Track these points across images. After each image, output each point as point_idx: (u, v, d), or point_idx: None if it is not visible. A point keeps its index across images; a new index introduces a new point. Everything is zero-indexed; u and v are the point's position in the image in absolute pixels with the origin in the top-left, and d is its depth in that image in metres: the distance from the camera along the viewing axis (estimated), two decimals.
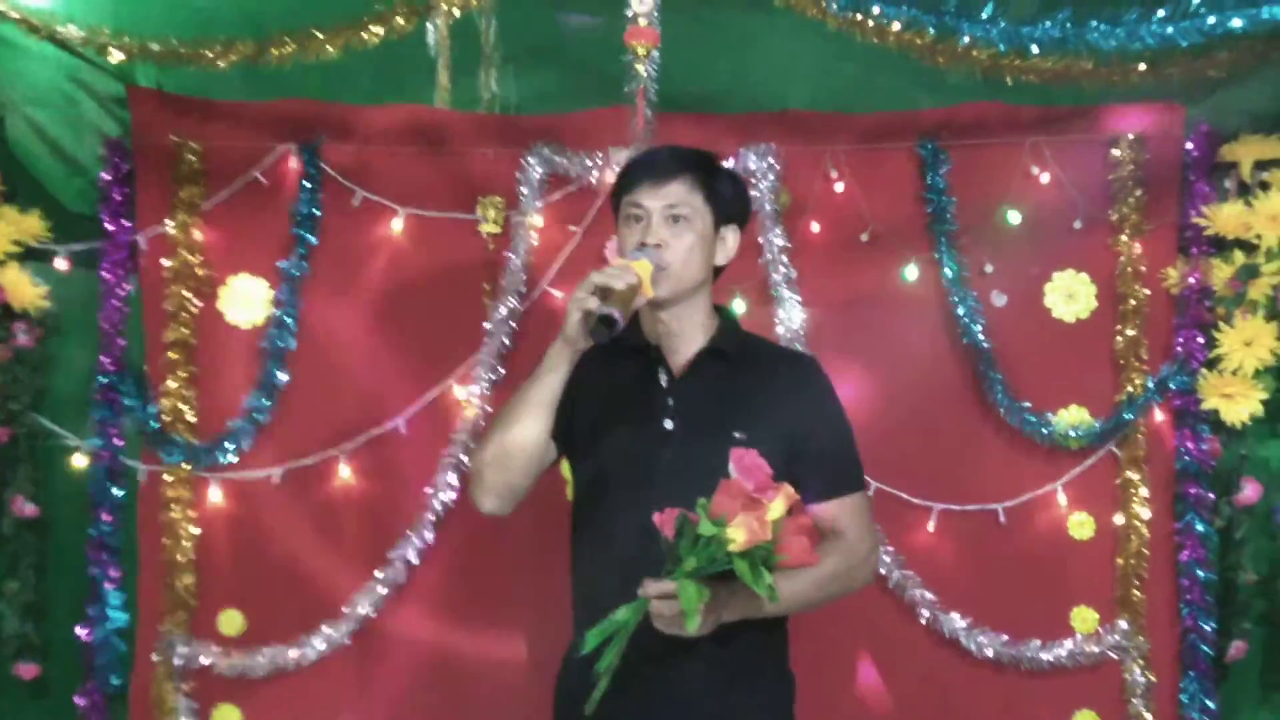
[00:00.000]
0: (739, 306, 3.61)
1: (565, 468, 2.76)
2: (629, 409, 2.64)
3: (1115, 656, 3.67)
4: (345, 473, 3.68)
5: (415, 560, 3.65)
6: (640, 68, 3.15)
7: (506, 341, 3.67)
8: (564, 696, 2.67)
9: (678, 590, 2.24)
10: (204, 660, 3.63)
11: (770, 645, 2.66)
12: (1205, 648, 3.65)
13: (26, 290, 3.58)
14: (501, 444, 2.57)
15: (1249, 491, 3.66)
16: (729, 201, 2.67)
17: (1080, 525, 3.70)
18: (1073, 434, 3.66)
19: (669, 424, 2.59)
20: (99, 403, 3.62)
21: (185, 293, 3.66)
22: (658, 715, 2.54)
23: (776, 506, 2.24)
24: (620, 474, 2.60)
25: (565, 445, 2.68)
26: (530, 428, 2.55)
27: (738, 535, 2.21)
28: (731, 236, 2.70)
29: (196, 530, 3.67)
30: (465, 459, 3.62)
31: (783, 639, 2.69)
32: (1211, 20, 3.03)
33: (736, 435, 2.45)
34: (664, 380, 2.64)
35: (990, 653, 3.66)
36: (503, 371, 3.66)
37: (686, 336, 2.65)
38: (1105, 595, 3.70)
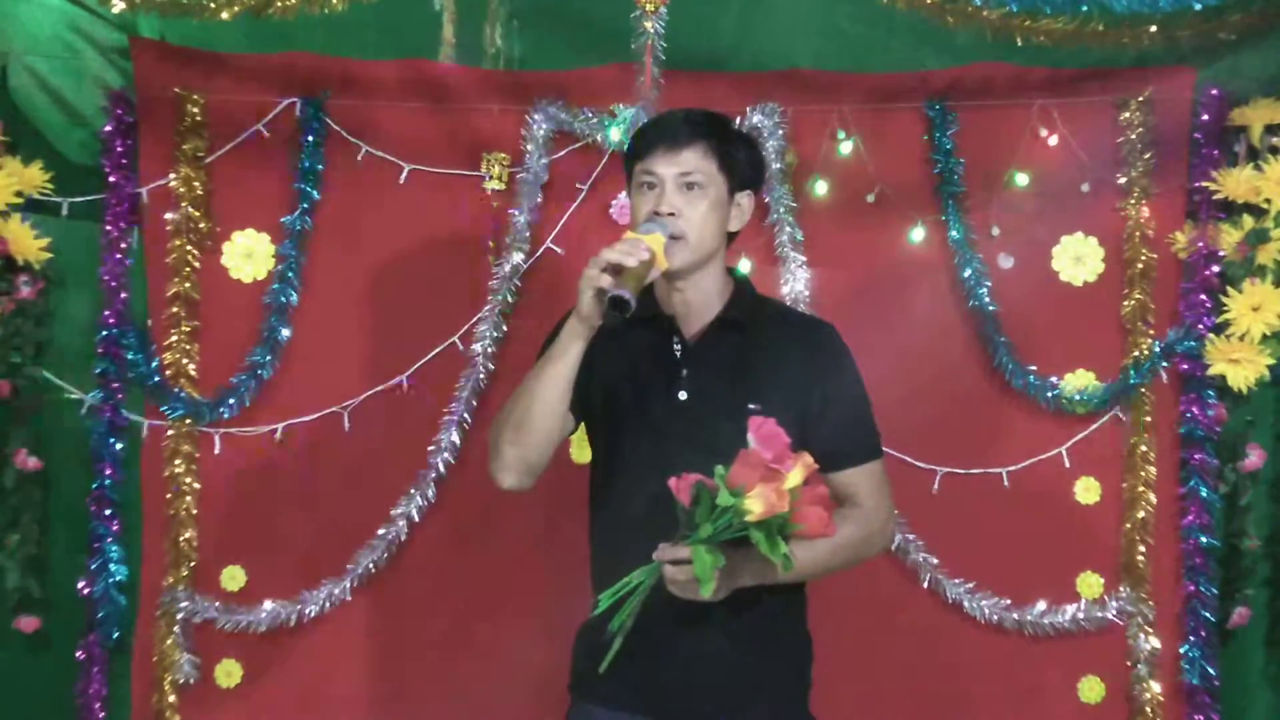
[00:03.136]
0: (744, 266, 3.59)
1: None
2: (644, 379, 2.63)
3: (1120, 622, 3.67)
4: (347, 429, 3.67)
5: (417, 518, 3.64)
6: (648, 24, 3.13)
7: (510, 299, 3.65)
8: (581, 660, 2.67)
9: (691, 556, 2.24)
10: (206, 615, 3.63)
11: (788, 609, 2.65)
12: (1208, 613, 3.65)
13: (29, 242, 3.55)
14: (519, 420, 2.55)
15: (1254, 457, 3.66)
16: (744, 167, 2.64)
17: (1086, 490, 3.69)
18: (1078, 398, 3.65)
19: (683, 394, 2.58)
20: (101, 356, 3.60)
21: (188, 246, 3.64)
22: (672, 677, 2.55)
23: (794, 476, 2.23)
24: (636, 444, 2.60)
25: (583, 415, 2.68)
26: (547, 405, 2.53)
27: (755, 506, 2.20)
28: (746, 202, 2.67)
29: (198, 485, 3.67)
30: (468, 417, 3.62)
31: (801, 603, 2.69)
32: None
33: (751, 407, 2.42)
34: (678, 350, 2.63)
35: (993, 617, 3.66)
36: (506, 329, 3.65)
37: (701, 305, 2.63)
38: (1110, 560, 3.70)
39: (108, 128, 3.62)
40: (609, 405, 2.65)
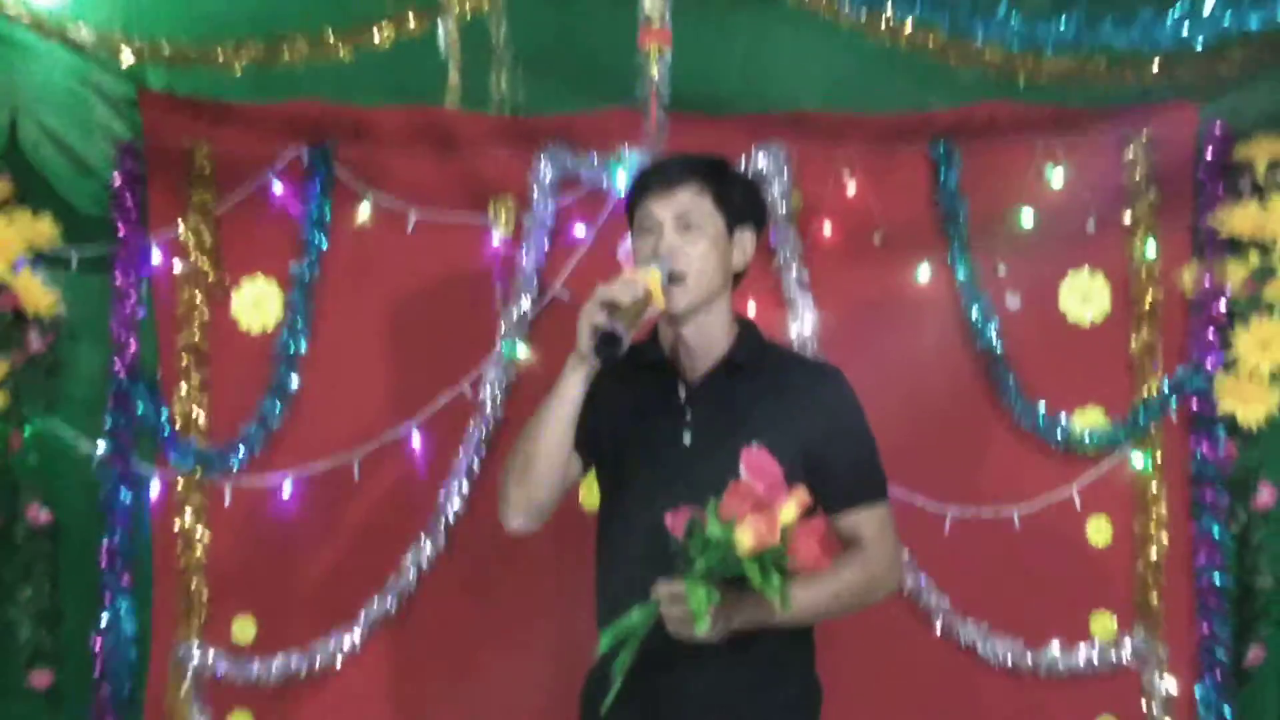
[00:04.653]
0: (751, 310, 3.59)
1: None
2: (649, 422, 2.63)
3: (1134, 663, 3.64)
4: (357, 478, 3.67)
5: (427, 566, 3.63)
6: (653, 68, 3.15)
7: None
8: (587, 703, 2.65)
9: (686, 592, 2.24)
10: (217, 666, 3.62)
11: (793, 653, 2.63)
12: (1223, 653, 3.63)
13: (39, 294, 3.57)
14: (524, 461, 2.56)
15: (1266, 495, 3.64)
16: (740, 204, 2.65)
17: (1097, 530, 3.68)
18: (1088, 437, 3.64)
19: (687, 438, 2.59)
20: (111, 407, 3.61)
21: (197, 296, 3.66)
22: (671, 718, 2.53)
23: (788, 510, 2.23)
24: (641, 487, 2.59)
25: (592, 457, 2.68)
26: (551, 445, 2.54)
27: (745, 538, 2.19)
28: (748, 240, 2.67)
29: (209, 536, 3.67)
30: (477, 463, 3.62)
31: (807, 647, 2.67)
32: (1227, 19, 3.01)
33: (754, 446, 2.42)
34: (682, 393, 2.63)
35: (1007, 659, 3.64)
36: (515, 376, 3.66)
37: (705, 347, 2.63)
38: (1123, 601, 3.68)
39: (117, 179, 3.64)
40: (615, 448, 2.65)
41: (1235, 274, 3.59)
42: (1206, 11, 3.01)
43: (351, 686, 3.67)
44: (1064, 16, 3.09)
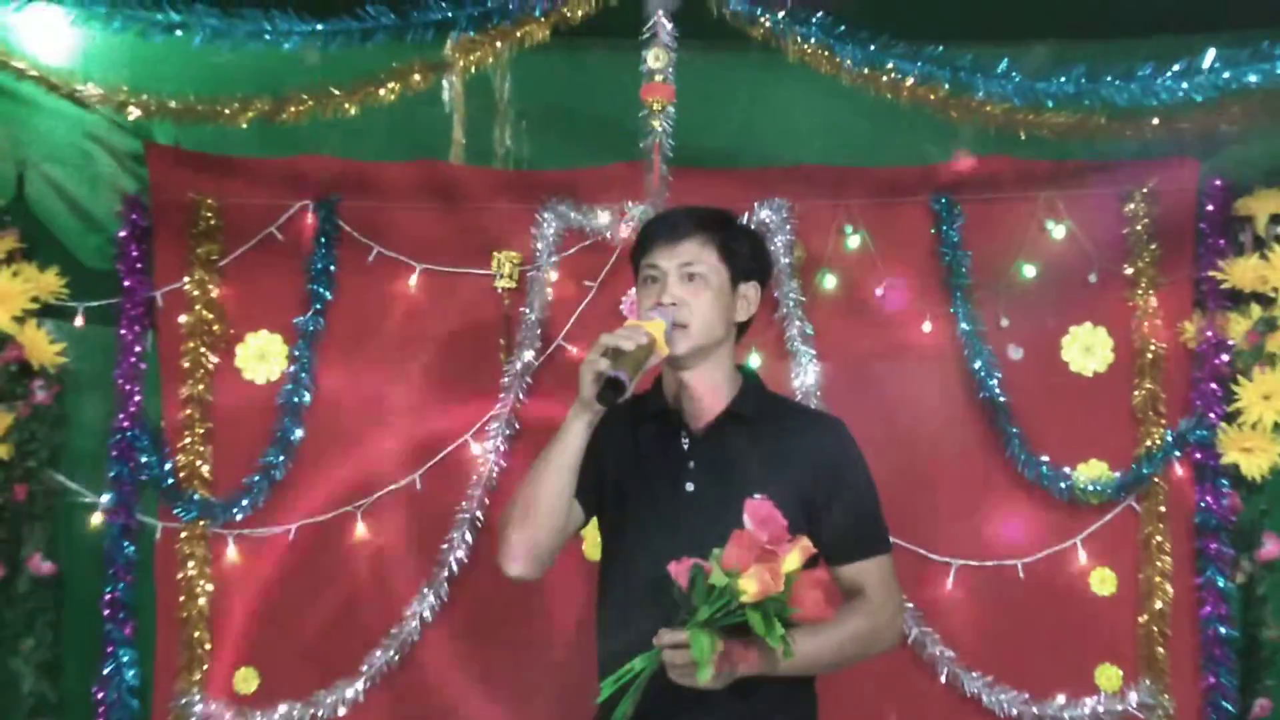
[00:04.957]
0: (755, 361, 3.60)
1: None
2: (652, 471, 2.64)
3: (1140, 715, 3.63)
4: (360, 529, 3.67)
5: (430, 617, 3.63)
6: (656, 123, 3.17)
7: (522, 397, 3.67)
8: None
9: (689, 640, 2.24)
10: (219, 718, 3.61)
11: (795, 702, 2.62)
12: (1228, 705, 3.61)
13: (44, 347, 3.58)
14: (525, 507, 2.57)
15: (1271, 546, 3.63)
16: (746, 258, 2.67)
17: (1101, 581, 3.67)
18: (1092, 488, 3.64)
19: (690, 486, 2.59)
20: (115, 459, 3.62)
21: (202, 349, 3.67)
22: None
23: (791, 559, 2.24)
24: (643, 535, 2.60)
25: (594, 506, 2.68)
26: (552, 490, 2.54)
27: (750, 586, 2.20)
28: (752, 293, 2.69)
29: (211, 587, 3.66)
30: (480, 515, 3.62)
31: (809, 698, 2.66)
32: (1226, 75, 3.03)
33: (756, 498, 2.43)
34: (685, 443, 2.64)
35: (1013, 711, 3.62)
36: (518, 426, 3.66)
37: (708, 397, 2.64)
38: (1128, 652, 3.67)
39: (123, 233, 3.67)
40: (617, 496, 2.66)
41: (1237, 327, 3.60)
42: (1206, 67, 3.03)
43: None
44: (1065, 72, 3.11)
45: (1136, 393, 3.68)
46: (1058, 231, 3.68)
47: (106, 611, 3.61)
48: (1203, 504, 3.64)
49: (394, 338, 3.72)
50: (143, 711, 3.63)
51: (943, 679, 3.64)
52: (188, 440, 3.66)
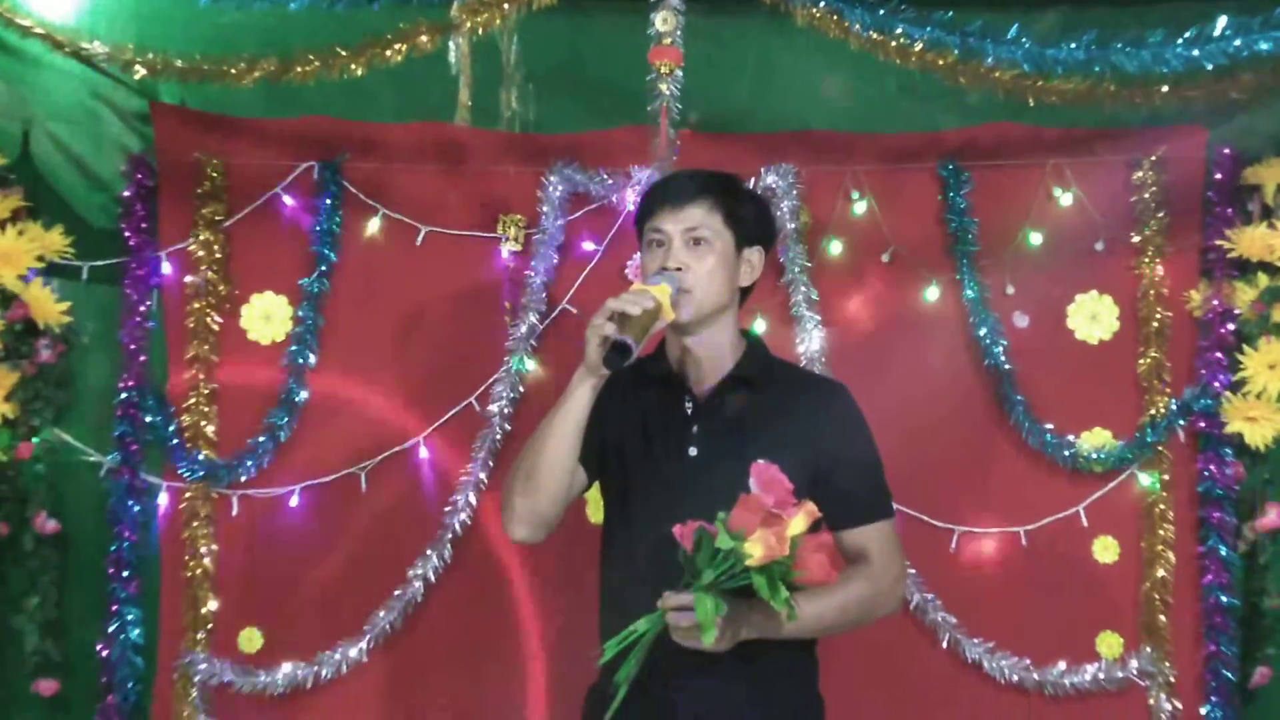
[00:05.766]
0: (760, 326, 3.60)
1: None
2: (655, 436, 2.64)
3: (1140, 682, 3.64)
4: (364, 489, 3.67)
5: (434, 578, 3.64)
6: (663, 86, 3.16)
7: (527, 360, 3.66)
8: (591, 716, 2.65)
9: (694, 603, 2.25)
10: (223, 677, 3.63)
11: (797, 666, 2.63)
12: (1229, 673, 3.62)
13: (49, 306, 3.58)
14: (529, 471, 2.57)
15: (1273, 515, 3.63)
16: (751, 223, 2.66)
17: (1104, 549, 3.68)
18: (1095, 457, 3.64)
19: (693, 450, 2.59)
20: (120, 419, 3.62)
21: (207, 309, 3.67)
22: None
23: (796, 523, 2.24)
24: (646, 499, 2.60)
25: (597, 470, 2.69)
26: (557, 455, 2.55)
27: (755, 550, 2.21)
28: (756, 257, 2.68)
29: (216, 547, 3.67)
30: (484, 477, 3.63)
31: (810, 662, 2.67)
32: (1237, 43, 3.02)
33: (762, 462, 2.43)
34: (688, 407, 2.64)
35: (1013, 677, 3.63)
36: (522, 390, 3.66)
37: (712, 362, 2.64)
38: (1130, 620, 3.68)
39: (128, 192, 3.67)
40: (620, 461, 2.66)
41: (1244, 295, 3.60)
42: (1217, 35, 3.01)
43: (357, 697, 3.67)
44: (1074, 39, 3.10)
45: (1141, 361, 3.67)
46: (1065, 199, 3.67)
47: (111, 570, 3.61)
48: (1206, 473, 3.64)
49: (399, 299, 3.72)
50: (147, 670, 3.64)
51: (944, 645, 3.65)
52: (193, 400, 3.66)
